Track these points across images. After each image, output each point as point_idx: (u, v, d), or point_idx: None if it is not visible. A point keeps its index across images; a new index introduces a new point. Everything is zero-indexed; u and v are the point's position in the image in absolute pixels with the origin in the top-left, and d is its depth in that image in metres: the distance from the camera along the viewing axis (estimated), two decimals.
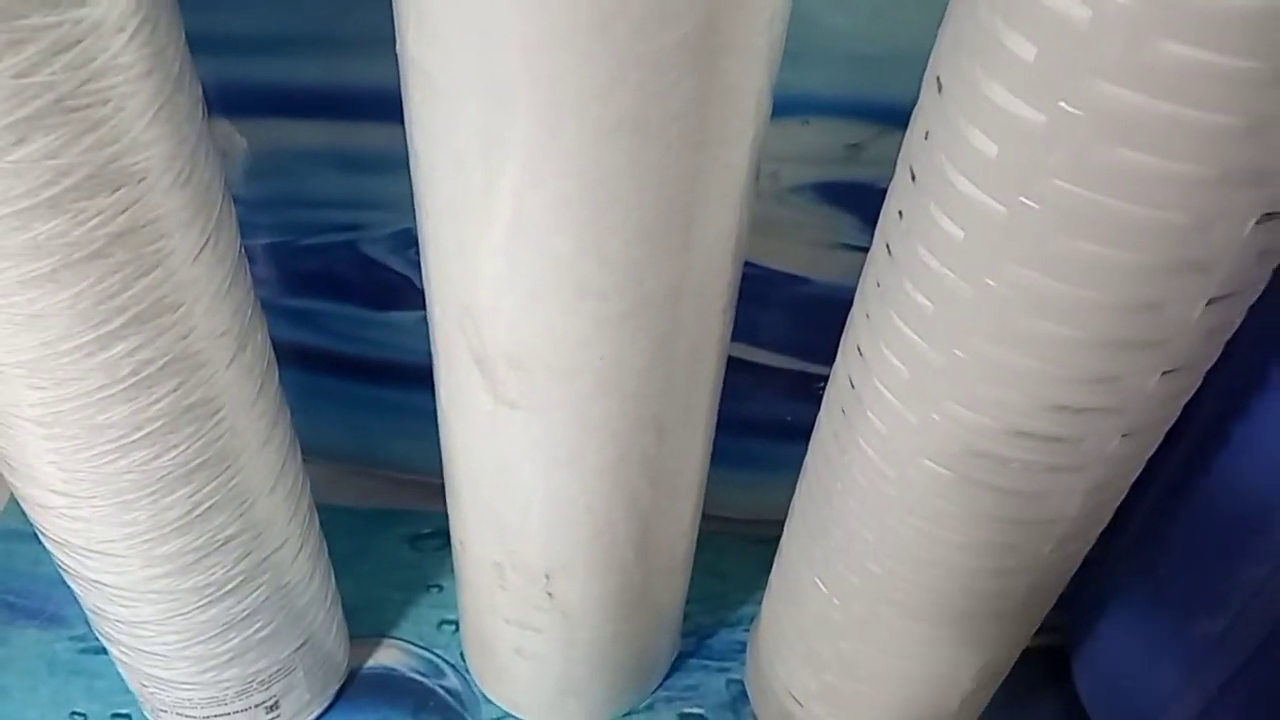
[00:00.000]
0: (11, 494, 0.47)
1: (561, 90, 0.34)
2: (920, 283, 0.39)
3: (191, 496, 0.46)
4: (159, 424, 0.42)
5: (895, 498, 0.45)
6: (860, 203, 0.55)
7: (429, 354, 0.69)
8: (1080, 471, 0.41)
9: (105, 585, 0.49)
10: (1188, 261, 0.33)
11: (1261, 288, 0.37)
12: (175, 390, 0.42)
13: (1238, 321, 0.38)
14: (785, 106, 0.42)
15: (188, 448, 0.44)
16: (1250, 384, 0.48)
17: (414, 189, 0.42)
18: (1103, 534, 0.49)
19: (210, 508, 0.47)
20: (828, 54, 0.48)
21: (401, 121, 0.51)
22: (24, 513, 0.47)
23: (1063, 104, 0.31)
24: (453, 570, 0.65)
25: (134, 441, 0.42)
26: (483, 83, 0.34)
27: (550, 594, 0.54)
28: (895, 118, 0.48)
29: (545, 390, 0.43)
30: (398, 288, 0.62)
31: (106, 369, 0.39)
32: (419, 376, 0.67)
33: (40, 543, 0.49)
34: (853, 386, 0.45)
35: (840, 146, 0.53)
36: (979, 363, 0.38)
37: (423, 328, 0.66)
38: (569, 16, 0.32)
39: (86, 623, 0.58)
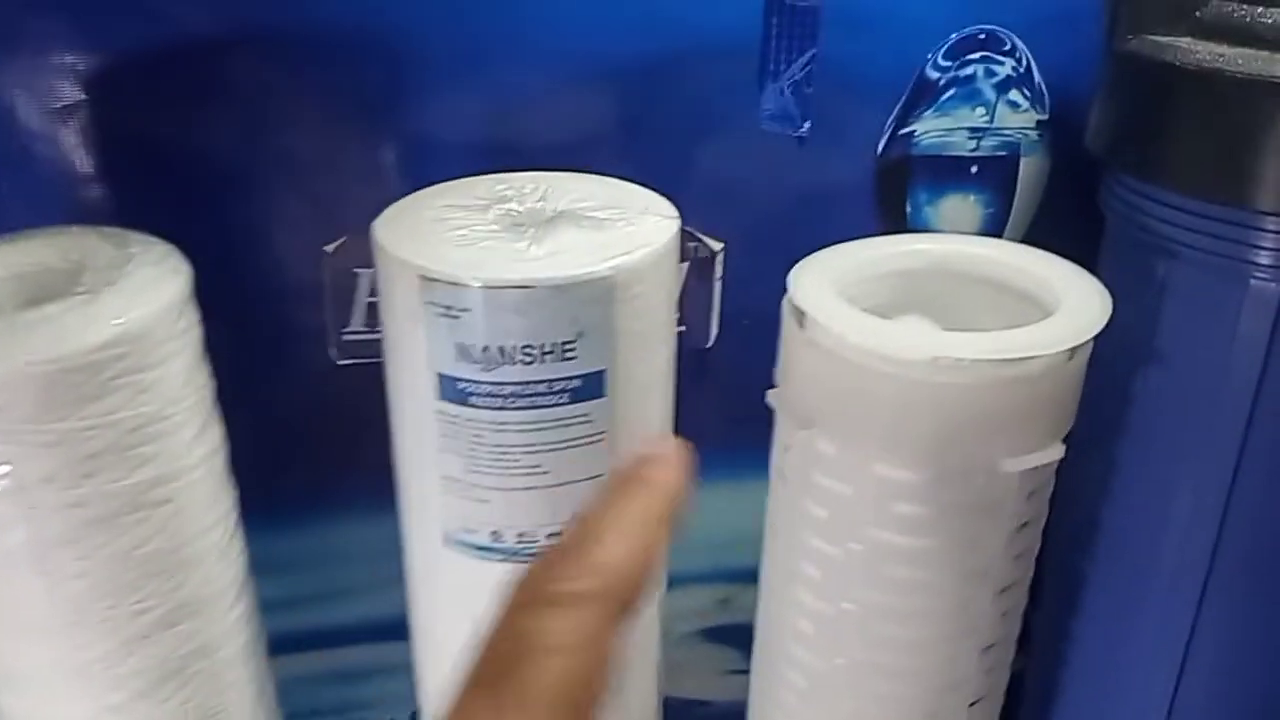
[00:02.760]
0: None
1: None
2: (793, 665, 0.57)
3: None
4: None
5: None
6: (736, 639, 0.74)
7: None
8: None
9: None
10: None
11: None
12: None
13: None
14: (676, 581, 0.62)
15: None
16: None
17: None
18: None
19: None
20: (697, 545, 0.69)
21: None
22: None
23: (845, 605, 0.52)
24: None
25: None
26: None
27: None
28: (748, 578, 0.69)
29: None
30: None
31: None
32: None
33: None
34: None
35: (713, 601, 0.73)
36: None
37: None
38: None
39: None
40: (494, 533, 0.48)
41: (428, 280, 0.44)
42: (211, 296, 0.58)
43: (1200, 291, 0.51)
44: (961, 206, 0.63)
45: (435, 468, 0.48)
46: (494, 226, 0.47)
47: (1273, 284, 0.48)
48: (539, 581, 0.20)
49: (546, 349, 0.44)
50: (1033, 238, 0.65)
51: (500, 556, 0.49)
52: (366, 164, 0.57)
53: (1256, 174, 0.46)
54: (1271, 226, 0.47)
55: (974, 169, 0.62)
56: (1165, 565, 0.56)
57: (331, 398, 0.61)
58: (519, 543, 0.48)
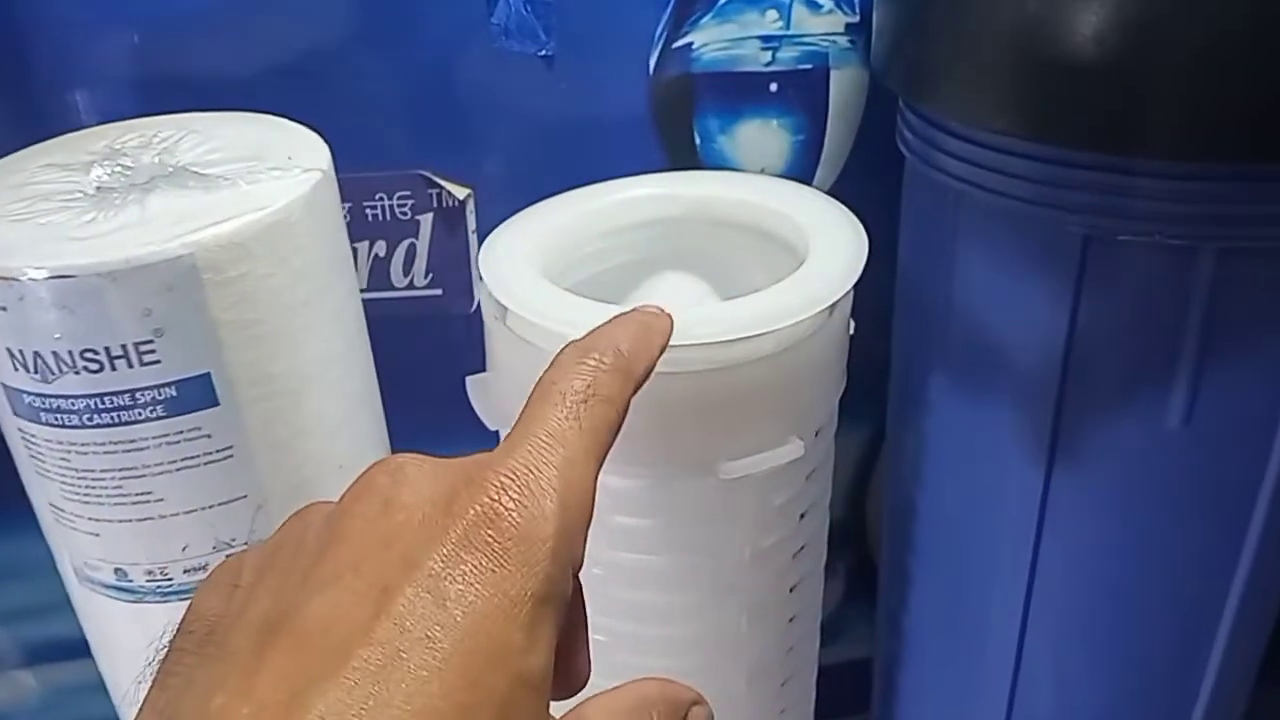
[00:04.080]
0: None
1: None
2: None
3: None
4: None
5: None
6: None
7: None
8: None
9: None
10: None
11: None
12: None
13: None
14: None
15: None
16: None
17: None
18: None
19: None
20: None
21: None
22: None
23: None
24: None
25: None
26: None
27: None
28: None
29: None
30: None
31: None
32: None
33: None
34: None
35: None
36: None
37: None
38: None
39: None
40: (117, 570, 0.39)
41: None
42: None
43: (997, 240, 0.40)
44: (763, 134, 0.52)
45: (40, 493, 0.39)
46: (80, 192, 0.37)
47: (1078, 230, 0.37)
48: (584, 353, 0.26)
49: (115, 353, 0.34)
50: (854, 168, 0.54)
51: (132, 598, 0.40)
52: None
53: (1047, 100, 0.35)
54: (1071, 161, 0.36)
55: (773, 87, 0.51)
56: (984, 555, 0.47)
57: None
58: (150, 582, 0.39)
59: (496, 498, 0.21)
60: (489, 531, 0.20)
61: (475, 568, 0.20)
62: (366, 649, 0.18)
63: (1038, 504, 0.43)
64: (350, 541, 0.21)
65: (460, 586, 0.20)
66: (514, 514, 0.21)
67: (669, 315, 0.31)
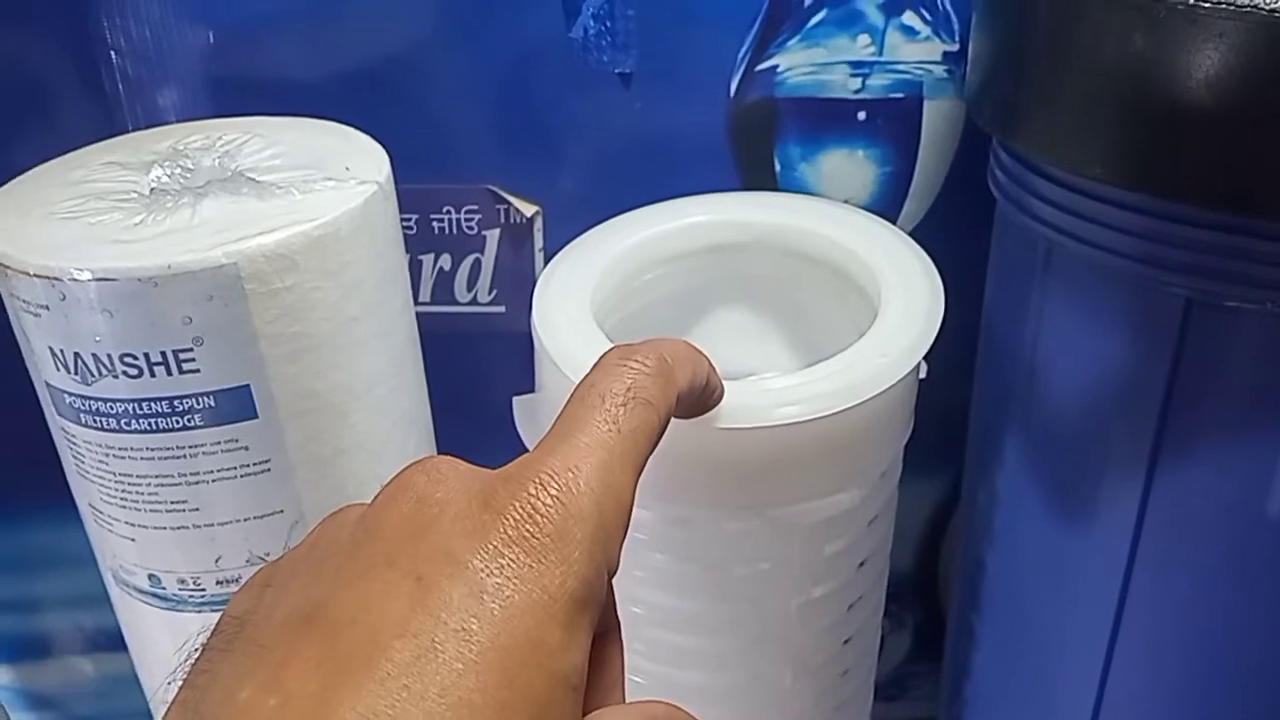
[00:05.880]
0: None
1: None
2: None
3: None
4: None
5: None
6: None
7: None
8: None
9: None
10: None
11: None
12: None
13: None
14: None
15: None
16: None
17: None
18: None
19: None
20: None
21: None
22: None
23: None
24: None
25: None
26: None
27: None
28: None
29: None
30: None
31: None
32: None
33: None
34: None
35: None
36: None
37: None
38: None
39: None
40: (151, 576, 0.39)
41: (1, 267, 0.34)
42: None
43: (1089, 297, 0.37)
44: (848, 164, 0.49)
45: (81, 493, 0.39)
46: (135, 193, 0.37)
47: (1180, 293, 0.34)
48: (626, 356, 0.25)
49: (155, 359, 0.34)
50: (944, 205, 0.51)
51: (164, 605, 0.39)
52: (59, 102, 0.47)
53: (1153, 147, 0.32)
54: (1177, 216, 0.33)
55: (861, 115, 0.48)
56: (1057, 632, 0.44)
57: None
58: (183, 590, 0.39)
59: (535, 494, 0.21)
60: (528, 527, 0.20)
61: (513, 562, 0.20)
62: (400, 640, 0.18)
63: (1119, 585, 0.40)
64: (384, 536, 0.21)
65: (498, 580, 0.19)
66: (552, 510, 0.21)
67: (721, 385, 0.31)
